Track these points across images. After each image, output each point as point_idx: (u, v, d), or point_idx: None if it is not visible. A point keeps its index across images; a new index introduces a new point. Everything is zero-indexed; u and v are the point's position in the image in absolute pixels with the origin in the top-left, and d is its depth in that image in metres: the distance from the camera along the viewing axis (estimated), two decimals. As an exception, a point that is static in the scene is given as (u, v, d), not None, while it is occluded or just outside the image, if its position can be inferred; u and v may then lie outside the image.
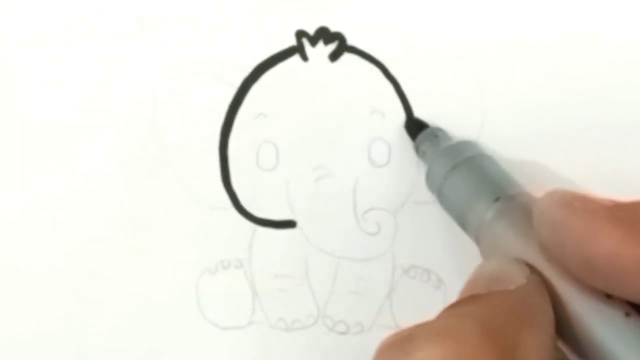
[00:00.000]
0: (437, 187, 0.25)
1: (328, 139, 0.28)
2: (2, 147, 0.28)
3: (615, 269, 0.17)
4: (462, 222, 0.24)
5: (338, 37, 0.27)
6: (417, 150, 0.27)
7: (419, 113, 0.27)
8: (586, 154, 0.27)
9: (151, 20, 0.27)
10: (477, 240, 0.23)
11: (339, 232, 0.28)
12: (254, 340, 0.28)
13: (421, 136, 0.26)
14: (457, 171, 0.24)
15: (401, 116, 0.27)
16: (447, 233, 0.27)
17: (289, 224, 0.28)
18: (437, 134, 0.26)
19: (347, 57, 0.27)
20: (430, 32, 0.27)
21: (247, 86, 0.27)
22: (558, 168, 0.27)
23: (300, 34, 0.27)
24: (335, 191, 0.28)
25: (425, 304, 0.27)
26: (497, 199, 0.22)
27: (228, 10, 0.27)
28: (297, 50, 0.27)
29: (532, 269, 0.19)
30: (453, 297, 0.27)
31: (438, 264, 0.27)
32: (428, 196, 0.27)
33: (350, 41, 0.27)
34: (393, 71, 0.27)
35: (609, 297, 0.18)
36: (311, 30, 0.27)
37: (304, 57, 0.27)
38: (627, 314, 0.18)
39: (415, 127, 0.27)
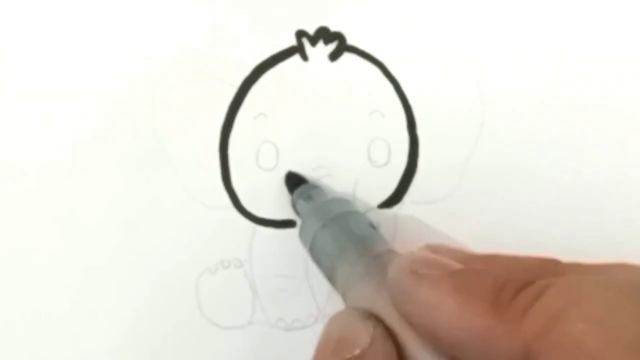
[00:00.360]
0: (309, 242, 0.25)
1: (328, 139, 0.28)
2: (2, 147, 0.28)
3: (455, 340, 0.17)
4: (330, 277, 0.24)
5: (338, 37, 0.27)
6: (293, 207, 0.27)
7: (419, 113, 0.27)
8: (585, 154, 0.27)
9: (151, 20, 0.27)
10: (343, 296, 0.23)
11: (339, 232, 0.28)
12: (254, 340, 0.28)
13: (296, 193, 0.27)
14: (325, 230, 0.24)
15: (401, 116, 0.27)
16: (446, 233, 0.27)
17: (289, 224, 0.28)
18: (311, 192, 0.26)
19: (347, 56, 0.27)
20: (430, 32, 0.27)
21: (248, 86, 0.28)
22: (557, 168, 0.27)
23: (301, 34, 0.27)
24: (335, 191, 0.28)
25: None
26: (359, 260, 0.23)
27: (228, 10, 0.27)
28: (297, 50, 0.27)
29: (378, 321, 0.20)
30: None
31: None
32: (428, 196, 0.27)
33: (350, 41, 0.27)
34: (393, 71, 0.27)
35: None
36: (311, 30, 0.27)
37: (304, 57, 0.27)
38: None
39: (292, 182, 0.27)
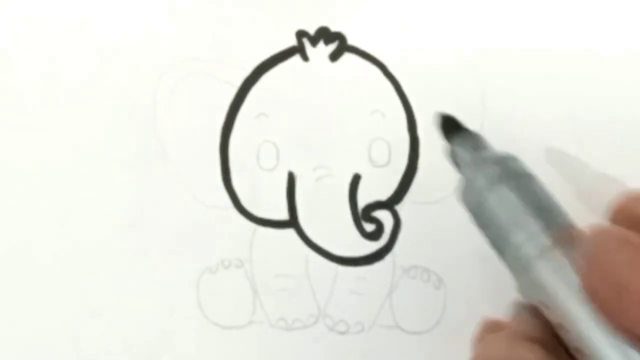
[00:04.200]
0: (476, 201, 0.21)
1: (328, 139, 0.28)
2: (2, 147, 0.28)
3: None
4: (500, 246, 0.21)
5: (338, 37, 0.27)
6: (452, 154, 0.23)
7: (419, 113, 0.27)
8: (585, 154, 0.27)
9: (152, 20, 0.27)
10: (515, 270, 0.20)
11: (339, 231, 0.28)
12: (255, 340, 0.28)
13: (459, 139, 0.23)
14: (503, 188, 0.21)
15: (402, 116, 0.27)
16: (447, 233, 0.27)
17: (289, 224, 0.28)
18: (478, 140, 0.23)
19: (347, 57, 0.27)
20: (431, 32, 0.27)
21: (248, 86, 0.28)
22: (557, 167, 0.27)
23: (301, 34, 0.27)
24: (335, 191, 0.28)
25: (426, 304, 0.27)
26: (545, 231, 0.19)
27: (229, 10, 0.27)
28: (298, 50, 0.27)
29: (544, 345, 0.18)
30: (453, 297, 0.27)
31: (438, 264, 0.27)
32: (428, 196, 0.27)
33: (351, 41, 0.27)
34: (393, 71, 0.27)
35: None
36: (312, 30, 0.27)
37: (305, 57, 0.27)
38: None
39: (450, 126, 0.24)
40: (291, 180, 0.28)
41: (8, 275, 0.28)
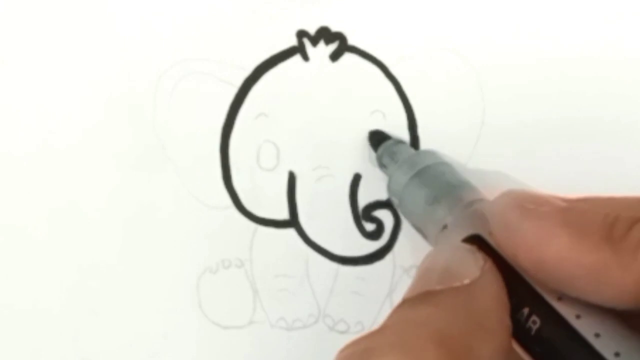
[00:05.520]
0: (397, 196, 0.25)
1: (328, 139, 0.28)
2: (2, 147, 0.28)
3: (565, 273, 0.17)
4: (421, 228, 0.24)
5: (339, 37, 0.27)
6: (379, 162, 0.27)
7: (419, 113, 0.27)
8: (585, 153, 0.27)
9: (152, 20, 0.27)
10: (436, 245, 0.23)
11: (339, 231, 0.28)
12: (255, 340, 0.28)
13: (382, 148, 0.27)
14: (415, 179, 0.25)
15: (402, 116, 0.27)
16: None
17: (290, 224, 0.28)
18: (396, 147, 0.26)
19: (347, 57, 0.27)
20: (431, 32, 0.27)
21: (248, 86, 0.28)
22: (557, 167, 0.27)
23: (301, 34, 0.27)
24: (336, 191, 0.28)
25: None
26: (453, 208, 0.23)
27: (229, 10, 0.27)
28: (298, 50, 0.27)
29: (487, 256, 0.19)
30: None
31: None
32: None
33: (351, 41, 0.27)
34: (394, 71, 0.27)
35: (560, 300, 0.18)
36: (312, 30, 0.27)
37: (305, 57, 0.27)
38: (578, 316, 0.18)
39: (376, 139, 0.27)
40: (291, 180, 0.28)
41: (8, 275, 0.28)
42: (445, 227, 0.22)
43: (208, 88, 0.28)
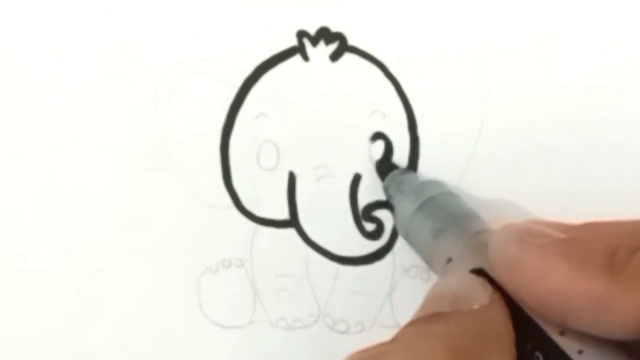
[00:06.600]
0: (404, 228, 0.25)
1: (328, 139, 0.28)
2: (2, 147, 0.28)
3: (566, 305, 0.17)
4: (429, 260, 0.24)
5: (339, 37, 0.27)
6: (386, 192, 0.27)
7: (419, 113, 0.27)
8: (586, 155, 0.27)
9: (152, 20, 0.27)
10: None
11: (339, 231, 0.28)
12: (255, 340, 0.28)
13: (388, 179, 0.27)
14: (421, 211, 0.25)
15: (402, 116, 0.27)
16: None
17: (290, 224, 0.28)
18: (403, 177, 0.27)
19: (348, 57, 0.27)
20: (431, 32, 0.27)
21: (248, 86, 0.28)
22: (557, 168, 0.27)
23: (301, 34, 0.27)
24: (336, 191, 0.28)
25: (426, 303, 0.27)
26: (458, 239, 0.23)
27: (229, 10, 0.27)
28: (298, 50, 0.27)
29: (495, 288, 0.19)
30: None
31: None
32: (428, 196, 0.27)
33: (351, 41, 0.27)
34: (394, 71, 0.27)
35: (562, 334, 0.18)
36: (312, 31, 0.27)
37: (305, 57, 0.27)
38: (580, 352, 0.18)
39: (383, 169, 0.27)
40: (292, 180, 0.28)
41: (7, 275, 0.28)
42: (450, 260, 0.22)
43: (208, 88, 0.28)
